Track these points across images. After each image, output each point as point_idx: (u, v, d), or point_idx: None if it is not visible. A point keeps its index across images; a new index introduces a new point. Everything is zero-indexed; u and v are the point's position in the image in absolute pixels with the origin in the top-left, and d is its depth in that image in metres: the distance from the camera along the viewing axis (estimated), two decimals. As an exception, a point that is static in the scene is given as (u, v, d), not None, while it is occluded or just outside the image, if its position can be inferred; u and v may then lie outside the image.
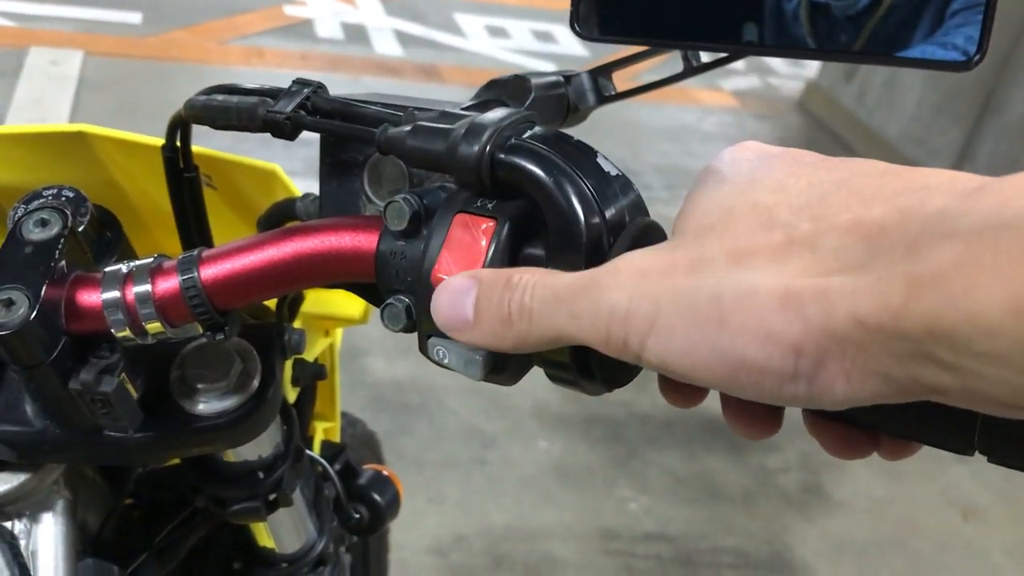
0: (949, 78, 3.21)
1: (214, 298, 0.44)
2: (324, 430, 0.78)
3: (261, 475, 0.57)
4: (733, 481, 2.21)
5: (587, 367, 0.38)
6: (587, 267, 0.36)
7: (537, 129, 0.39)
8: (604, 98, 0.50)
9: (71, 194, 0.51)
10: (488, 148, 0.37)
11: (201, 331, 0.45)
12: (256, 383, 0.51)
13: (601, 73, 0.50)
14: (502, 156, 0.37)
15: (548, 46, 4.59)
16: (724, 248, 0.30)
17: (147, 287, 0.44)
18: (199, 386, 0.50)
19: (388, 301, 0.41)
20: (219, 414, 0.50)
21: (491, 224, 0.38)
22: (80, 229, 0.49)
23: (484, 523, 2.00)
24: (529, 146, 0.37)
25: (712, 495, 2.16)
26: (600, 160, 0.38)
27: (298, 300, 0.61)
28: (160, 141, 0.55)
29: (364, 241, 0.42)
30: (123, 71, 3.56)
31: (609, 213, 0.37)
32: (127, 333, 0.44)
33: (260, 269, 0.44)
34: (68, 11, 3.91)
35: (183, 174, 0.56)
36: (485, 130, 0.38)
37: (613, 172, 0.38)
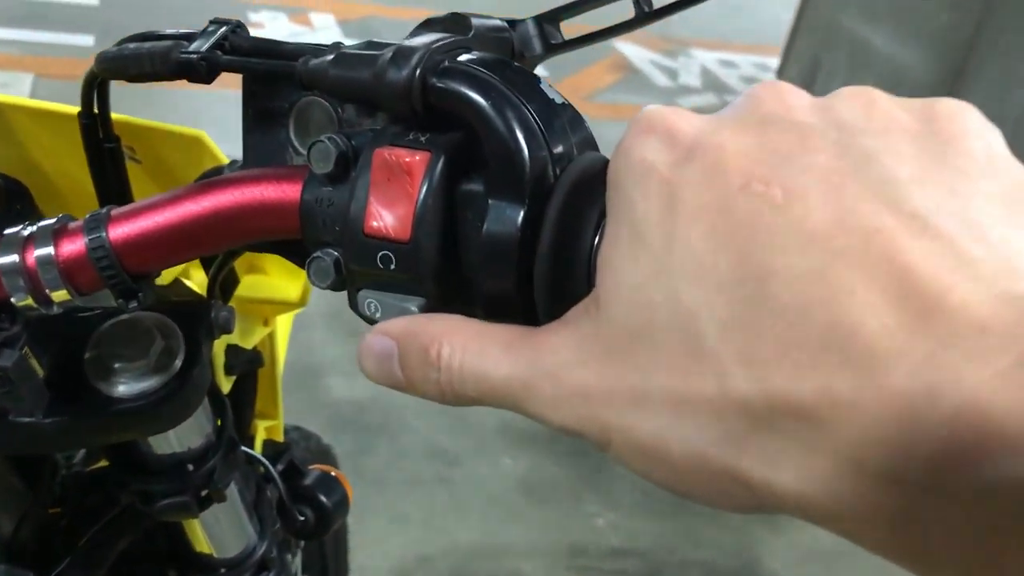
0: (908, 86, 3.23)
1: (125, 260, 0.40)
2: (266, 429, 0.74)
3: (190, 467, 0.53)
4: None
5: (534, 315, 0.35)
6: (530, 203, 0.33)
7: (474, 53, 0.36)
8: (551, 46, 0.46)
9: (-26, 160, 0.46)
10: (419, 72, 0.34)
11: (113, 300, 0.41)
12: (179, 363, 0.47)
13: (548, 20, 0.46)
14: (434, 80, 0.34)
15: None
16: (659, 382, 0.27)
17: (50, 250, 0.40)
18: (116, 366, 0.46)
19: (315, 255, 0.37)
20: (138, 396, 0.46)
21: (424, 157, 0.34)
22: (-19, 197, 0.45)
23: (449, 542, 1.95)
24: (464, 68, 0.34)
25: (680, 508, 2.12)
26: (545, 87, 0.35)
27: (231, 280, 0.57)
28: (77, 109, 0.51)
29: (287, 191, 0.38)
30: (74, 93, 3.48)
31: (555, 143, 0.34)
32: (29, 302, 0.40)
33: (175, 226, 0.40)
34: (18, 34, 3.85)
35: (103, 144, 0.52)
36: (415, 53, 0.34)
37: (559, 100, 0.35)
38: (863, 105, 0.28)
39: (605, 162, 0.36)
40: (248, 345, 0.61)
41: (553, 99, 0.35)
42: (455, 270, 0.36)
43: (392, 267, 0.35)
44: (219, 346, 0.56)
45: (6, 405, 0.43)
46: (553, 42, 0.47)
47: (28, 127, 0.54)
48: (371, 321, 0.37)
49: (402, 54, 0.34)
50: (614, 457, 0.28)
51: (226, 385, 0.57)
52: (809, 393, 0.24)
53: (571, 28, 0.47)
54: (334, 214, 0.37)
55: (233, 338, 0.58)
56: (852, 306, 0.23)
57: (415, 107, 0.34)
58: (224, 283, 0.59)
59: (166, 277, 0.61)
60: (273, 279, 0.61)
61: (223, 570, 0.63)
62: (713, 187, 0.26)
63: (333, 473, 0.72)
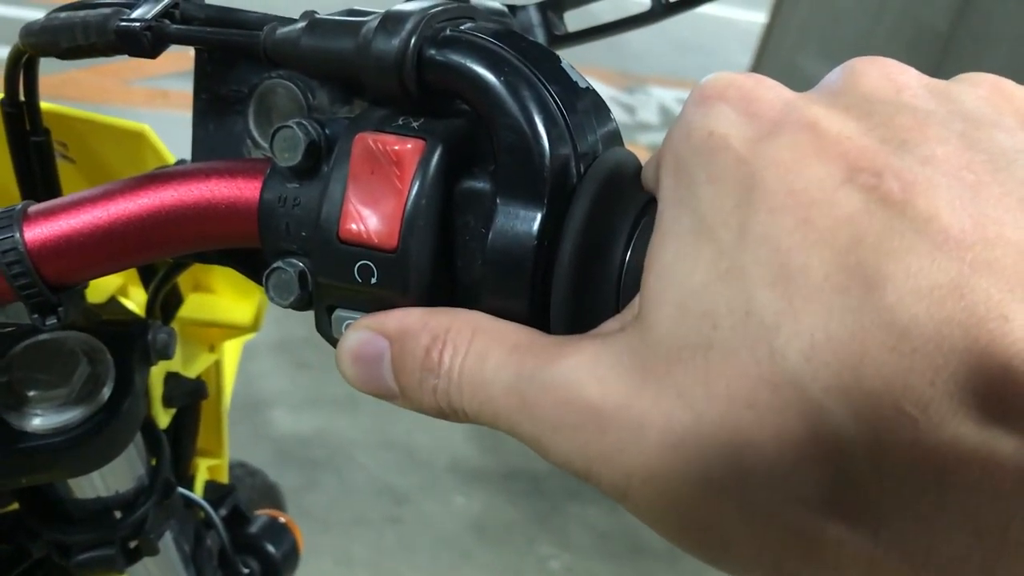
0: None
1: (43, 268, 0.33)
2: (208, 468, 0.66)
3: (118, 515, 0.45)
4: (657, 537, 2.12)
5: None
6: (549, 206, 0.27)
7: (480, 22, 0.29)
8: (555, 37, 0.41)
9: None
10: (413, 40, 0.28)
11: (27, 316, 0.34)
12: (107, 392, 0.40)
13: (552, 8, 0.41)
14: (432, 52, 0.28)
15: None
16: (715, 415, 0.20)
17: None
18: (31, 394, 0.39)
19: (275, 265, 0.31)
20: (57, 431, 0.38)
21: (417, 146, 0.28)
22: None
23: (396, 585, 1.87)
24: (470, 38, 0.28)
25: (636, 551, 2.06)
26: (567, 67, 0.29)
27: (174, 299, 0.50)
28: (-1, 95, 0.44)
29: (243, 188, 0.32)
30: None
31: (579, 135, 0.28)
32: (-79, 313, 0.33)
33: (105, 229, 0.33)
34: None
35: (29, 137, 0.45)
36: (409, 18, 0.28)
37: (582, 84, 0.29)
38: (990, 93, 0.23)
39: (636, 161, 0.30)
40: (191, 374, 0.53)
41: (577, 82, 0.29)
42: (450, 288, 0.29)
43: (373, 281, 0.28)
44: (157, 374, 0.49)
45: None
46: (557, 33, 0.41)
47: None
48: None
49: (393, 19, 0.28)
50: (632, 510, 0.23)
51: (164, 419, 0.50)
52: (960, 446, 0.18)
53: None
54: (301, 216, 0.30)
55: (174, 365, 0.51)
56: (1007, 335, 0.17)
57: (407, 85, 0.28)
58: (165, 302, 0.51)
59: (100, 295, 0.53)
60: (222, 299, 0.54)
61: (154, 630, 0.56)
62: (807, 173, 0.21)
63: (282, 519, 0.64)
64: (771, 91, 0.23)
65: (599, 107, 0.29)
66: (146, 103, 3.67)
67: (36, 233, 0.33)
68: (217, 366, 0.60)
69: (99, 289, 0.54)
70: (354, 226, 0.28)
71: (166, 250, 0.34)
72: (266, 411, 2.19)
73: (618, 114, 4.66)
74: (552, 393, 0.23)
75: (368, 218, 0.28)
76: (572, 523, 2.10)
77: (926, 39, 3.01)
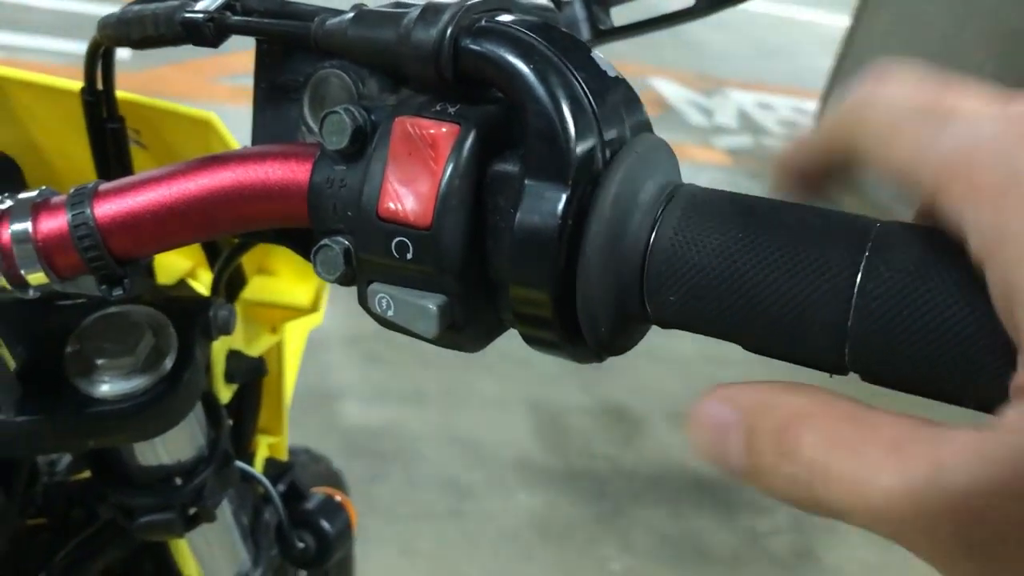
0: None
1: (111, 241, 0.35)
2: (269, 446, 0.68)
3: (178, 481, 0.48)
4: (721, 542, 2.10)
5: (575, 327, 0.29)
6: (574, 186, 0.28)
7: (516, 14, 0.31)
8: (600, 32, 0.42)
9: (-40, 132, 0.42)
10: (450, 31, 0.29)
11: (96, 287, 0.37)
12: (169, 363, 0.42)
13: (597, 2, 0.42)
14: (468, 42, 0.29)
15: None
16: None
17: (27, 225, 0.35)
18: (99, 362, 0.41)
19: (323, 243, 0.32)
20: (122, 397, 0.41)
21: (452, 130, 0.29)
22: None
23: (458, 579, 1.89)
24: (504, 29, 0.29)
25: (699, 556, 2.05)
26: (597, 58, 0.30)
27: (238, 280, 0.53)
28: (80, 85, 0.47)
29: (295, 170, 0.33)
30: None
31: (606, 122, 0.29)
32: (1, 282, 0.35)
33: (167, 206, 0.35)
34: (57, 44, 3.86)
35: (106, 123, 0.48)
36: (446, 10, 0.29)
37: (612, 73, 0.30)
38: None
39: (665, 147, 0.31)
40: (253, 352, 0.56)
41: (606, 71, 0.30)
42: (482, 266, 0.31)
43: (408, 257, 0.30)
44: (220, 351, 0.51)
45: (-29, 399, 0.38)
46: (602, 27, 0.42)
47: (27, 103, 0.50)
48: (382, 320, 0.32)
49: (432, 11, 0.30)
50: None
51: (225, 394, 0.52)
52: None
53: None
54: (346, 196, 0.32)
55: (236, 343, 0.54)
56: None
57: (444, 73, 0.30)
58: (230, 283, 0.54)
59: (171, 276, 0.56)
60: (284, 282, 0.56)
61: (213, 598, 0.58)
62: None
63: (338, 498, 0.66)
64: None
65: (629, 97, 0.30)
66: (229, 99, 3.77)
67: (105, 210, 0.35)
68: (279, 347, 0.63)
69: (169, 271, 0.57)
70: (392, 204, 0.30)
71: (223, 228, 0.36)
72: (337, 403, 2.23)
73: (695, 117, 4.60)
74: (957, 513, 0.20)
75: (405, 197, 0.29)
76: (635, 526, 2.10)
77: (1016, 43, 2.92)
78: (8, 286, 0.36)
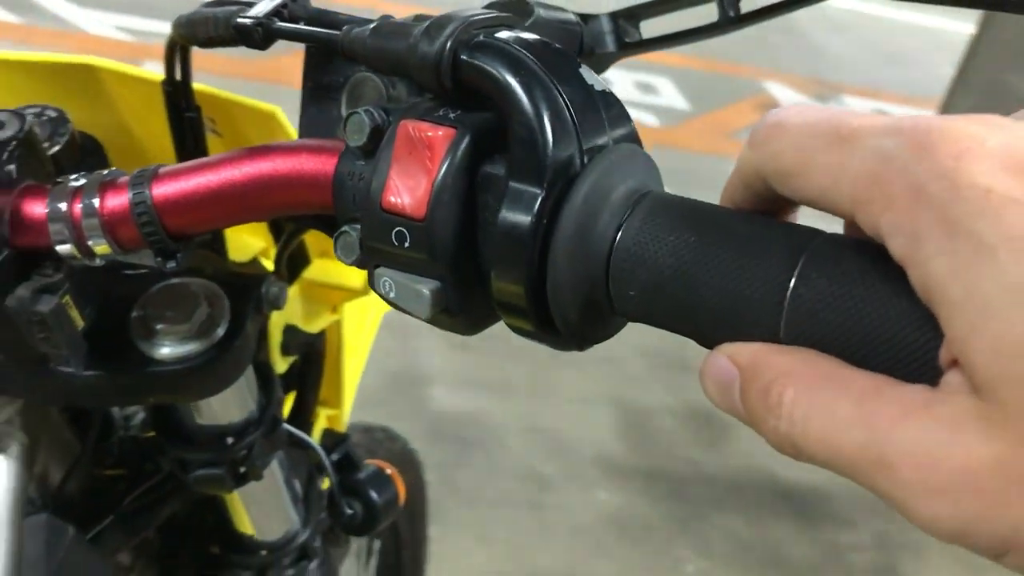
0: None
1: (165, 219, 0.40)
2: (328, 417, 0.73)
3: (229, 440, 0.53)
4: (800, 554, 2.08)
5: (548, 318, 0.32)
6: (549, 188, 0.31)
7: (515, 31, 0.34)
8: (625, 45, 0.44)
9: (53, 114, 0.48)
10: (449, 44, 0.33)
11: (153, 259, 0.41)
12: (221, 331, 0.47)
13: (625, 17, 0.44)
14: (465, 55, 0.33)
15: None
16: None
17: (95, 201, 0.40)
18: (158, 327, 0.46)
19: (342, 229, 0.36)
20: (177, 359, 0.46)
21: (447, 134, 0.33)
22: (54, 150, 0.46)
23: (531, 569, 1.92)
24: (498, 45, 0.32)
25: (776, 565, 2.03)
26: (585, 73, 0.33)
27: (301, 261, 0.57)
28: (162, 76, 0.52)
29: (323, 163, 0.37)
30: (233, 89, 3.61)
31: (587, 132, 0.32)
32: (72, 251, 0.40)
33: (213, 190, 0.39)
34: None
35: (184, 112, 0.53)
36: (449, 25, 0.33)
37: (599, 87, 0.33)
38: None
39: (644, 156, 0.34)
40: (312, 329, 0.60)
41: (592, 85, 0.33)
42: (475, 259, 0.34)
43: (406, 245, 0.33)
44: (277, 325, 0.56)
45: (46, 351, 0.43)
46: (628, 40, 0.45)
47: (116, 90, 0.55)
48: (387, 300, 0.36)
49: (437, 26, 0.33)
50: (1016, 568, 0.24)
51: (281, 365, 0.57)
52: None
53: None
54: (363, 189, 0.36)
55: (295, 319, 0.58)
56: None
57: (444, 82, 0.33)
58: (293, 263, 0.59)
59: (246, 254, 0.61)
60: (342, 264, 0.61)
61: (263, 552, 0.63)
62: None
63: (388, 471, 0.71)
64: (1021, 136, 0.24)
65: (614, 110, 0.33)
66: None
67: (161, 191, 0.40)
68: (338, 325, 0.67)
69: (244, 250, 0.62)
70: (393, 198, 0.33)
71: (263, 212, 0.40)
72: (425, 387, 2.29)
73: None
74: (914, 457, 0.24)
75: (404, 192, 0.33)
76: (713, 530, 2.09)
77: None
78: (78, 254, 0.40)
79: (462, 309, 0.34)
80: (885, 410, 0.25)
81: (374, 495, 0.69)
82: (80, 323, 0.43)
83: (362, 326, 0.80)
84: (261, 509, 0.61)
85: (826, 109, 0.27)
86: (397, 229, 0.33)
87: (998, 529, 0.23)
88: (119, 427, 0.60)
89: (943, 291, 0.23)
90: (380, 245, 0.34)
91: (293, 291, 0.57)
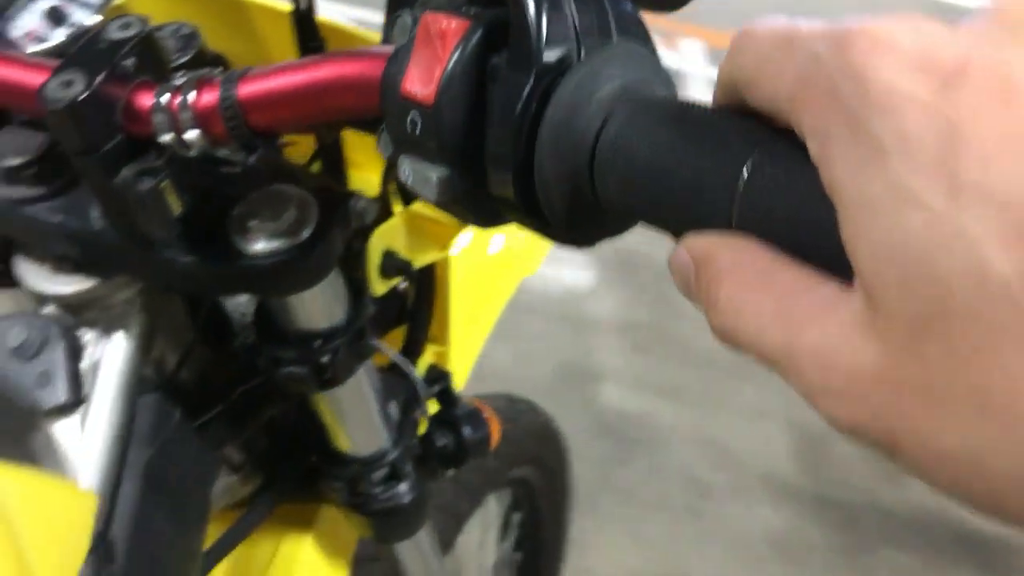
0: None
1: (249, 115, 0.45)
2: (435, 353, 0.77)
3: (316, 343, 0.57)
4: (974, 603, 1.94)
5: (537, 208, 0.34)
6: (538, 77, 0.32)
7: None
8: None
9: (187, 31, 0.54)
10: None
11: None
12: (307, 234, 0.51)
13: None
14: None
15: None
16: (964, 378, 0.21)
17: (191, 96, 0.45)
18: (251, 224, 0.51)
19: (382, 127, 0.39)
20: (265, 254, 0.50)
21: (460, 25, 0.35)
22: (181, 60, 0.52)
23: (684, 574, 1.90)
24: None
25: (947, 610, 1.90)
26: None
27: (411, 195, 0.61)
28: (291, 8, 0.57)
29: (375, 67, 0.41)
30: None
31: (586, 30, 0.33)
32: (171, 140, 0.46)
33: (289, 90, 0.44)
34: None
35: (309, 43, 0.58)
36: None
37: None
38: None
39: (648, 56, 0.35)
40: (417, 261, 0.64)
41: None
42: (481, 146, 0.36)
43: (417, 131, 0.36)
44: (376, 247, 0.60)
45: (150, 234, 0.49)
46: None
47: (251, 19, 0.61)
48: (408, 187, 0.38)
49: None
50: (903, 466, 0.24)
51: (379, 287, 0.61)
52: None
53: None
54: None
55: (396, 246, 0.62)
56: None
57: None
58: (406, 194, 0.63)
59: (373, 190, 0.66)
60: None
61: (355, 466, 0.68)
62: (1012, 114, 0.21)
63: (486, 413, 0.74)
64: (937, 38, 0.23)
65: (624, 12, 0.34)
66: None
67: (246, 90, 0.44)
68: (446, 264, 0.71)
69: (367, 184, 0.66)
70: (409, 85, 0.36)
71: (325, 113, 0.44)
72: (596, 383, 2.31)
73: None
74: (816, 359, 0.24)
75: (418, 80, 0.36)
76: (881, 566, 1.98)
77: None
78: (175, 144, 0.46)
79: (467, 197, 0.37)
80: (799, 309, 0.25)
81: (467, 431, 0.72)
82: (177, 209, 0.49)
83: (490, 285, 0.83)
84: (353, 424, 0.65)
85: (792, 20, 0.27)
86: (411, 115, 0.36)
87: (882, 433, 0.24)
88: (237, 328, 0.66)
89: (840, 192, 0.24)
90: (398, 132, 0.37)
91: (398, 220, 0.61)
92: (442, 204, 0.37)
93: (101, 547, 0.52)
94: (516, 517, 1.45)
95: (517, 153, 0.33)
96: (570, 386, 2.28)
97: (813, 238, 0.25)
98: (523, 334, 2.43)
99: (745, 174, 0.27)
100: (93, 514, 0.51)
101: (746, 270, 0.27)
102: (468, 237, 0.93)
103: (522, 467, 1.30)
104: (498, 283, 0.87)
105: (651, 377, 2.33)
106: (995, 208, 0.20)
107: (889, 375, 0.23)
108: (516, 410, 1.25)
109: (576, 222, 0.34)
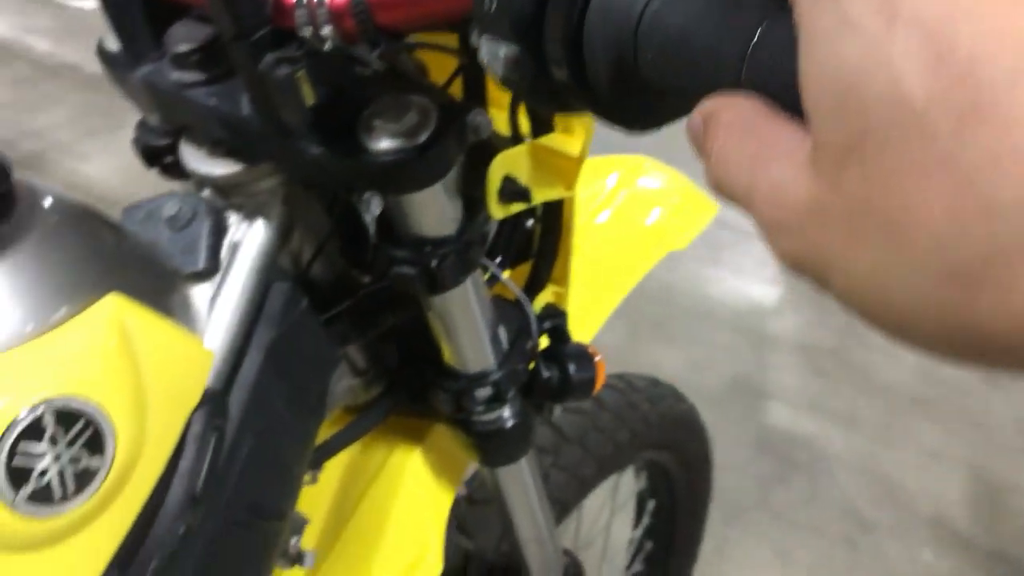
0: None
1: (376, 13, 0.50)
2: (554, 293, 0.80)
3: (427, 248, 0.62)
4: None
5: (587, 87, 0.37)
6: None
7: None
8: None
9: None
10: None
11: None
12: (423, 138, 0.56)
13: None
14: None
15: None
16: (877, 202, 0.22)
17: None
18: (375, 123, 0.56)
19: None
20: (383, 152, 0.56)
21: None
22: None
23: (826, 603, 1.83)
24: None
25: None
26: None
27: (544, 128, 0.65)
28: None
29: None
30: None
31: None
32: (308, 33, 0.52)
33: None
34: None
35: None
36: None
37: None
38: None
39: None
40: (537, 194, 0.67)
41: None
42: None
43: (493, 8, 0.39)
44: (497, 171, 0.63)
45: (286, 121, 0.55)
46: None
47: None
48: (486, 66, 0.42)
49: None
50: (835, 298, 0.25)
51: (498, 212, 0.65)
52: None
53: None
54: None
55: (518, 173, 0.66)
56: None
57: None
58: (538, 125, 0.67)
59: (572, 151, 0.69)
60: (572, 140, 0.67)
61: (462, 380, 0.72)
62: None
63: (597, 357, 0.76)
64: None
65: None
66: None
67: None
68: (570, 203, 0.74)
69: (565, 146, 0.70)
70: None
71: (436, 15, 0.48)
72: (766, 400, 2.25)
73: None
74: (770, 196, 0.26)
75: None
76: (1054, 635, 1.83)
77: None
78: (312, 38, 0.52)
79: (534, 77, 0.40)
80: (769, 152, 0.27)
81: (572, 368, 0.74)
82: (310, 99, 0.54)
83: (638, 252, 0.85)
84: (461, 339, 0.69)
85: None
86: None
87: (815, 264, 0.25)
88: (366, 232, 0.71)
89: (800, 29, 0.24)
90: (479, 12, 0.41)
91: (522, 149, 0.64)
92: (507, 82, 0.41)
93: (216, 402, 0.58)
94: (651, 504, 1.46)
95: (568, 26, 0.36)
96: (739, 399, 2.24)
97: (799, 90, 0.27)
98: (700, 340, 2.41)
99: (756, 36, 0.29)
100: (208, 369, 0.57)
101: (740, 124, 0.28)
102: (627, 200, 0.96)
103: (659, 451, 1.31)
104: (646, 251, 0.89)
105: (825, 402, 2.25)
106: (922, 34, 0.20)
107: (819, 205, 0.24)
108: (658, 393, 1.26)
109: (621, 95, 0.37)
